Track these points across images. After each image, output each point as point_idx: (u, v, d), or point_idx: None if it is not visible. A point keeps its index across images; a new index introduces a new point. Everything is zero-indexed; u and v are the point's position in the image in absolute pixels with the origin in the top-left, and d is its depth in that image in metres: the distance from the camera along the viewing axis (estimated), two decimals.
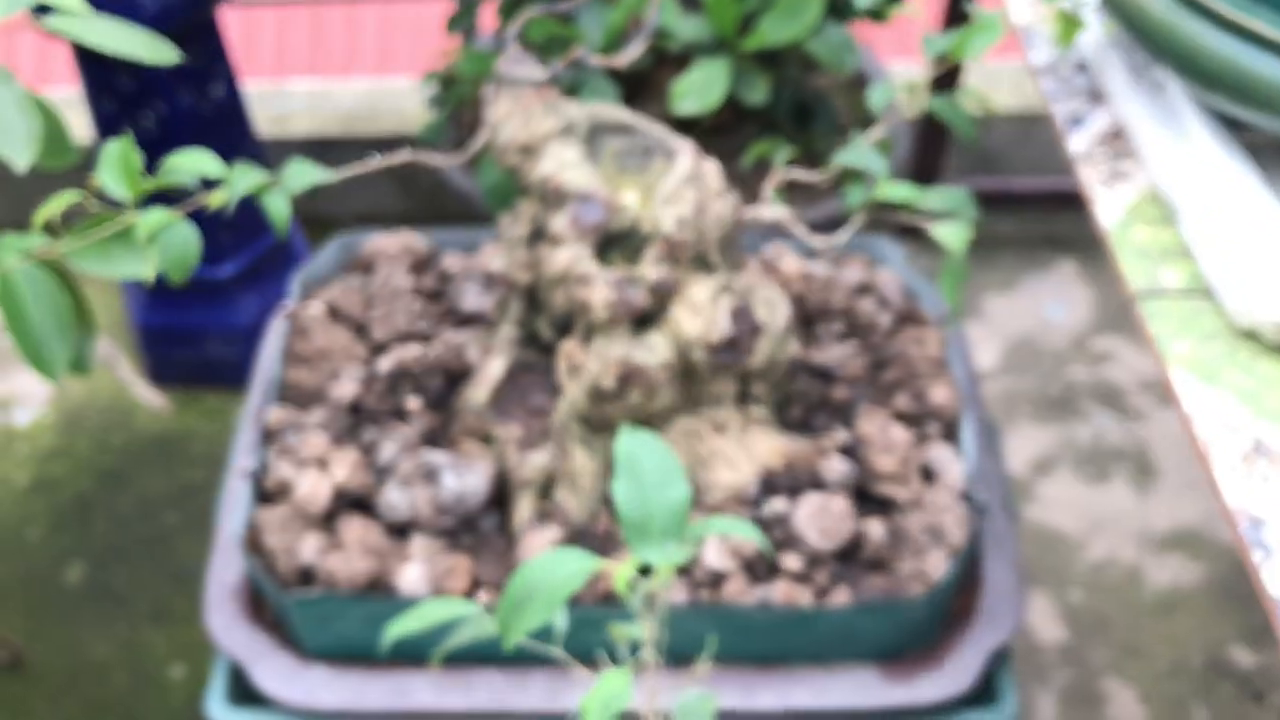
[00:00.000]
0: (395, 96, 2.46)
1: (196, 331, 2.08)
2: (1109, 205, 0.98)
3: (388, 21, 3.25)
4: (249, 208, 1.96)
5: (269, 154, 2.43)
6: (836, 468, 1.00)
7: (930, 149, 2.26)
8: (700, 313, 0.91)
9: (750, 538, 0.70)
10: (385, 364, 1.10)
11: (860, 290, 1.18)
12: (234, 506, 1.05)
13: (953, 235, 0.84)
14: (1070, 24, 1.03)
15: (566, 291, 0.89)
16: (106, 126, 1.83)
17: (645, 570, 0.67)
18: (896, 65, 2.54)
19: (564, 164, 0.87)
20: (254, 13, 3.22)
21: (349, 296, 1.15)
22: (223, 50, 1.87)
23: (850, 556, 0.99)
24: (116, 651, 1.81)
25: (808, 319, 1.14)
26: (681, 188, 0.87)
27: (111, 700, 1.77)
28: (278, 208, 0.81)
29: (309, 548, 0.97)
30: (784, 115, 1.69)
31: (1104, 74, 1.07)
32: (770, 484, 1.00)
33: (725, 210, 0.89)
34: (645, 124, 0.93)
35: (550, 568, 0.62)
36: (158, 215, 0.78)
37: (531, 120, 0.89)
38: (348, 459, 1.00)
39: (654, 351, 0.90)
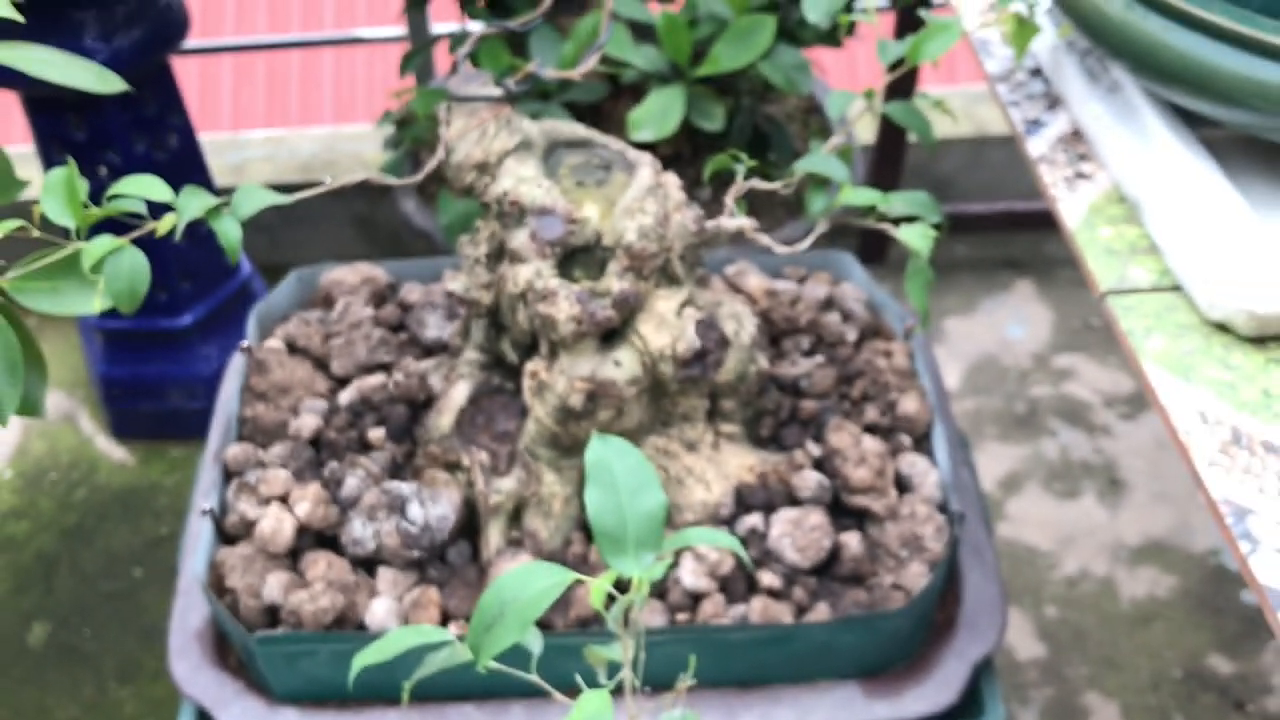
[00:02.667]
0: (353, 141, 2.44)
1: (157, 382, 2.04)
2: (1072, 206, 0.97)
3: (343, 74, 3.25)
4: (208, 255, 1.94)
5: None
6: (810, 482, 0.98)
7: (884, 176, 2.27)
8: (666, 326, 0.89)
9: (729, 547, 0.68)
10: (346, 396, 1.07)
11: (825, 305, 1.17)
12: (195, 548, 1.01)
13: (918, 236, 0.83)
14: (1025, 29, 1.03)
15: (530, 309, 0.87)
16: None
17: (622, 588, 0.65)
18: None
19: (521, 180, 0.85)
20: (211, 68, 3.21)
21: (308, 330, 1.13)
22: (177, 100, 1.84)
23: (828, 571, 0.97)
24: (83, 713, 1.76)
25: (774, 335, 1.13)
26: (643, 199, 0.86)
27: None
28: (229, 232, 0.79)
29: (273, 586, 0.94)
30: (740, 143, 1.69)
31: (1059, 77, 1.07)
32: (744, 501, 0.98)
33: (688, 221, 0.88)
34: (603, 139, 0.92)
35: (521, 583, 0.59)
36: (103, 242, 0.75)
37: (486, 137, 0.87)
38: (310, 494, 0.97)
39: (621, 367, 0.89)
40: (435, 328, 1.12)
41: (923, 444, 1.07)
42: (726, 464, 1.00)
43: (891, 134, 2.24)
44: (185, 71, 3.11)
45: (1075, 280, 2.41)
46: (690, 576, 0.93)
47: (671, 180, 0.90)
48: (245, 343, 1.11)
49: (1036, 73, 1.11)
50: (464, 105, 0.87)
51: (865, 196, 0.87)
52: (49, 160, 1.80)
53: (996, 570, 1.03)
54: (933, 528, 0.97)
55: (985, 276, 2.44)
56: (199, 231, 1.89)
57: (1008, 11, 1.01)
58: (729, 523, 0.98)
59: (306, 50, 3.18)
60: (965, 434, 1.89)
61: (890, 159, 2.26)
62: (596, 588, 0.62)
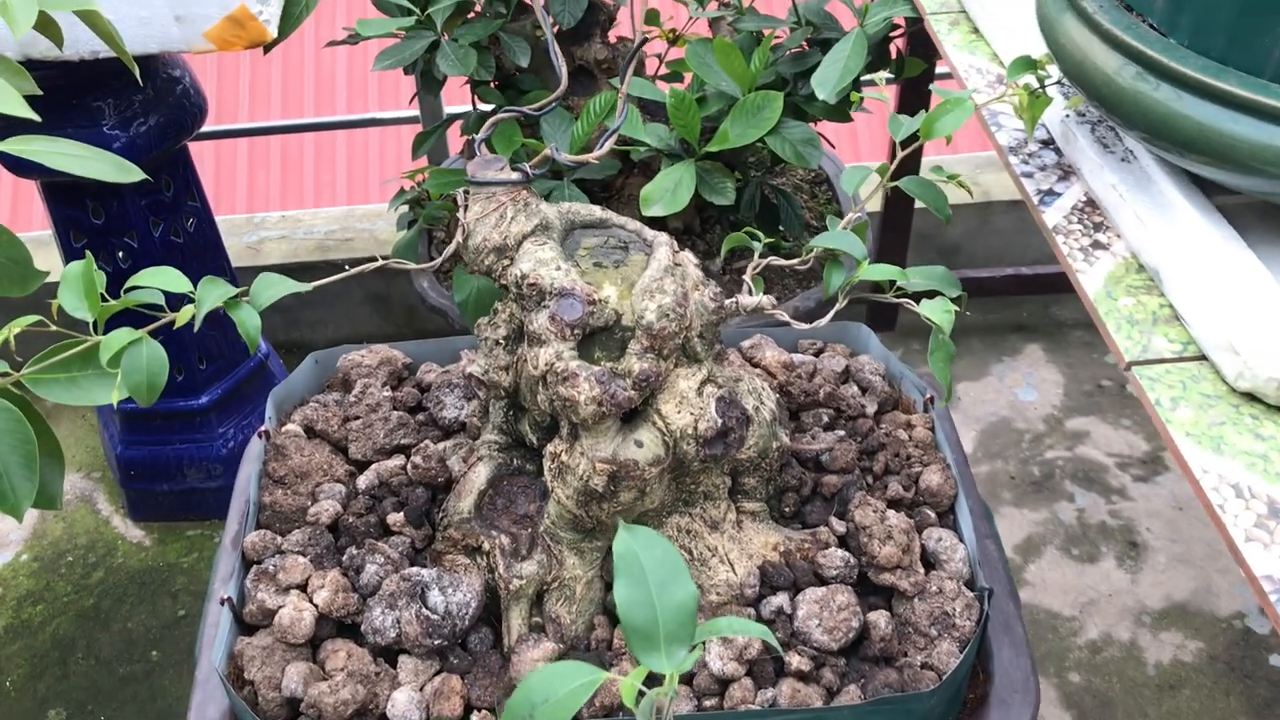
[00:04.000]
0: (367, 220, 2.46)
1: (175, 463, 2.04)
2: (1091, 276, 0.97)
3: (356, 155, 3.28)
4: (225, 336, 1.94)
5: (244, 280, 2.41)
6: (836, 560, 0.97)
7: (891, 243, 2.28)
8: (687, 404, 0.89)
9: (757, 635, 0.67)
10: (365, 480, 1.06)
11: (842, 378, 1.17)
12: (214, 639, 1.00)
13: (939, 311, 0.83)
14: (1037, 102, 1.04)
15: (550, 391, 0.86)
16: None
17: (652, 681, 0.64)
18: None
19: (540, 262, 0.85)
20: (227, 152, 3.24)
21: (326, 413, 1.12)
22: (194, 184, 1.86)
23: (857, 651, 0.96)
24: None
25: (794, 409, 1.12)
26: (661, 278, 0.85)
27: None
28: (247, 321, 0.79)
29: (293, 678, 0.92)
30: (750, 215, 1.69)
31: (1071, 148, 1.07)
32: (769, 580, 0.97)
33: (706, 300, 0.88)
34: (619, 219, 0.92)
35: (551, 684, 0.58)
36: (121, 334, 0.75)
37: (504, 221, 0.87)
38: (329, 581, 0.96)
39: (643, 447, 0.88)
40: (453, 408, 1.11)
41: (947, 517, 1.06)
42: (750, 543, 0.98)
43: (899, 202, 2.25)
44: (202, 155, 3.15)
45: (1084, 343, 2.41)
46: (717, 661, 0.91)
47: (689, 259, 0.90)
48: (263, 427, 1.10)
49: (1048, 143, 1.11)
50: (482, 189, 0.87)
51: (884, 272, 0.87)
52: (66, 246, 1.81)
53: (1027, 645, 1.01)
54: (962, 604, 0.96)
55: (995, 341, 2.44)
56: (216, 311, 1.90)
57: (1019, 85, 1.01)
58: (754, 603, 0.97)
59: (319, 133, 3.22)
60: (987, 504, 1.88)
61: (897, 226, 2.27)
62: (627, 687, 0.60)
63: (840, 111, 1.50)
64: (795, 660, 0.93)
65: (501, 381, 0.91)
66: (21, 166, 1.67)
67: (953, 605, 0.96)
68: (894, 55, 1.66)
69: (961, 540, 1.02)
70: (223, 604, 0.98)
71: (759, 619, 0.96)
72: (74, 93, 1.62)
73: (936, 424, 1.12)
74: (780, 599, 0.96)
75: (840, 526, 1.01)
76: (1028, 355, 2.41)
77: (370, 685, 0.92)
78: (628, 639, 0.60)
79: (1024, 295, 2.48)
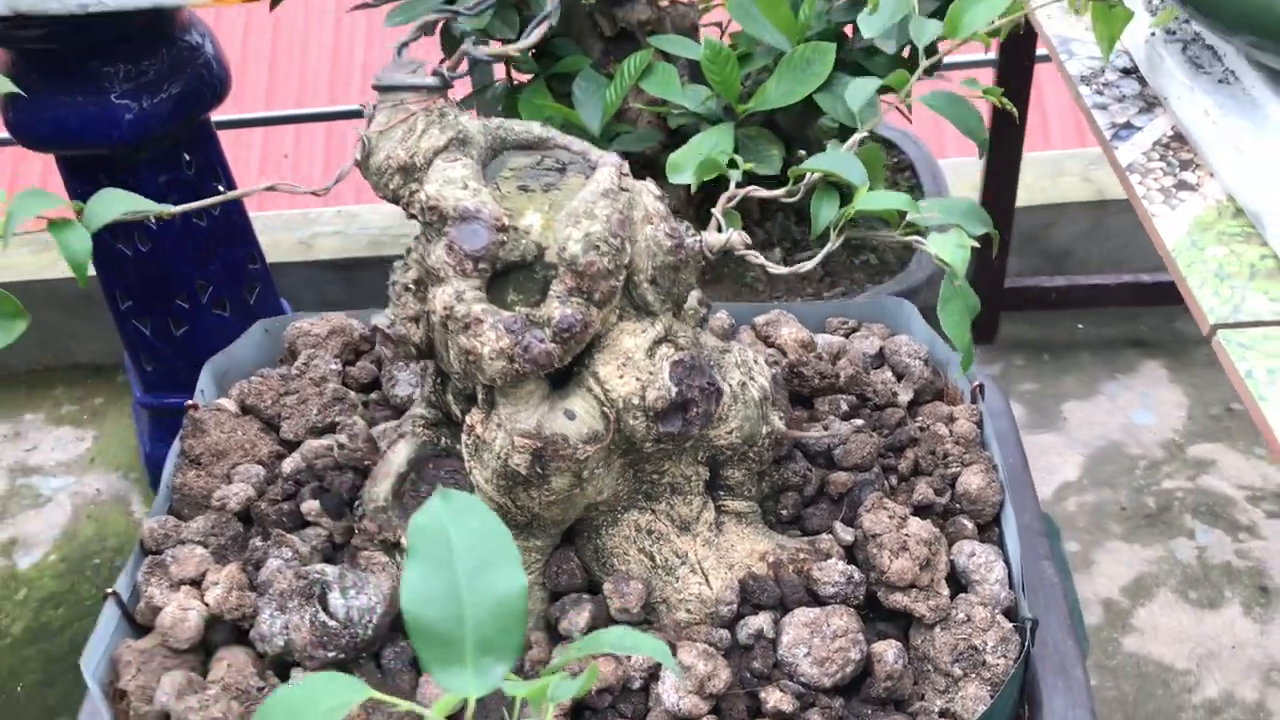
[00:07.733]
0: None
1: None
2: (1171, 221, 0.76)
3: None
4: (252, 312, 1.81)
5: (292, 277, 2.32)
6: (834, 574, 0.77)
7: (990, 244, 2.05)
8: (632, 367, 0.70)
9: (648, 652, 0.48)
10: (291, 464, 0.91)
11: (875, 362, 0.97)
12: (99, 642, 0.85)
13: (949, 247, 0.63)
14: (1114, 16, 0.83)
15: (453, 344, 0.69)
16: (95, 250, 1.70)
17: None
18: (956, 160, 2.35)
19: (448, 181, 0.68)
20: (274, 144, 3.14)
21: (264, 388, 0.97)
22: (219, 164, 1.74)
23: (858, 691, 0.76)
24: None
25: (807, 394, 0.93)
26: (594, 202, 0.67)
27: None
28: (73, 243, 0.63)
29: (167, 689, 0.77)
30: (805, 202, 1.50)
31: (1157, 73, 0.86)
32: (751, 597, 0.78)
33: (661, 235, 0.69)
34: (566, 140, 0.75)
35: (301, 703, 0.40)
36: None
37: (413, 135, 0.71)
38: (225, 578, 0.80)
39: (575, 420, 0.70)
40: (408, 385, 0.95)
41: (991, 530, 0.85)
42: (732, 550, 0.79)
43: (1000, 197, 2.02)
44: (249, 144, 3.04)
45: (1213, 362, 2.14)
46: (673, 694, 0.73)
47: (648, 188, 0.72)
48: (190, 401, 0.96)
49: (1129, 72, 0.91)
50: (389, 95, 0.71)
51: (886, 200, 0.68)
52: None
53: (1088, 695, 0.80)
54: (995, 637, 0.75)
55: (1108, 357, 2.19)
56: (246, 305, 1.79)
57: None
58: (731, 625, 0.77)
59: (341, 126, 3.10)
60: (1054, 520, 1.63)
61: (997, 225, 2.04)
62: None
63: (912, 68, 1.30)
64: (774, 698, 0.73)
65: (411, 335, 0.74)
66: (35, 139, 1.58)
67: (983, 638, 0.75)
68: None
69: (1004, 558, 0.81)
70: (106, 598, 0.83)
71: (735, 645, 0.77)
72: (78, 59, 1.51)
73: (985, 417, 0.91)
74: (761, 620, 0.76)
75: (848, 535, 0.81)
76: (1145, 374, 2.15)
77: (250, 702, 0.75)
78: (417, 648, 0.42)
79: (1143, 306, 2.22)
